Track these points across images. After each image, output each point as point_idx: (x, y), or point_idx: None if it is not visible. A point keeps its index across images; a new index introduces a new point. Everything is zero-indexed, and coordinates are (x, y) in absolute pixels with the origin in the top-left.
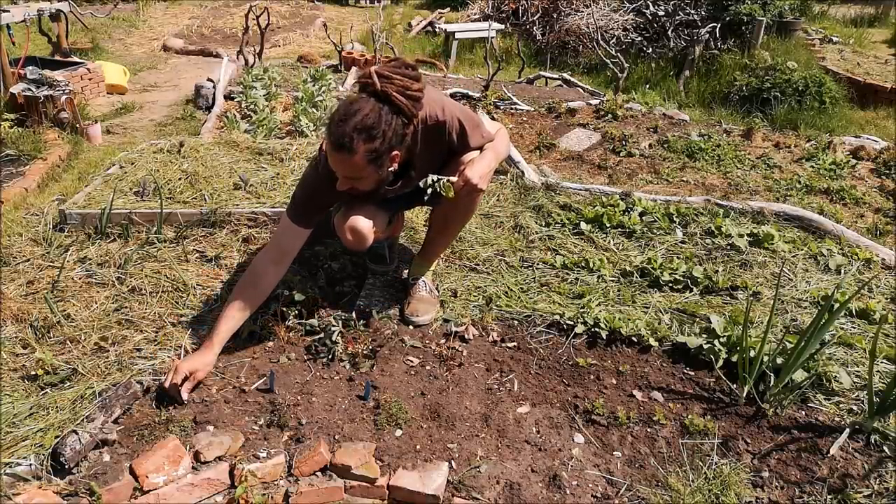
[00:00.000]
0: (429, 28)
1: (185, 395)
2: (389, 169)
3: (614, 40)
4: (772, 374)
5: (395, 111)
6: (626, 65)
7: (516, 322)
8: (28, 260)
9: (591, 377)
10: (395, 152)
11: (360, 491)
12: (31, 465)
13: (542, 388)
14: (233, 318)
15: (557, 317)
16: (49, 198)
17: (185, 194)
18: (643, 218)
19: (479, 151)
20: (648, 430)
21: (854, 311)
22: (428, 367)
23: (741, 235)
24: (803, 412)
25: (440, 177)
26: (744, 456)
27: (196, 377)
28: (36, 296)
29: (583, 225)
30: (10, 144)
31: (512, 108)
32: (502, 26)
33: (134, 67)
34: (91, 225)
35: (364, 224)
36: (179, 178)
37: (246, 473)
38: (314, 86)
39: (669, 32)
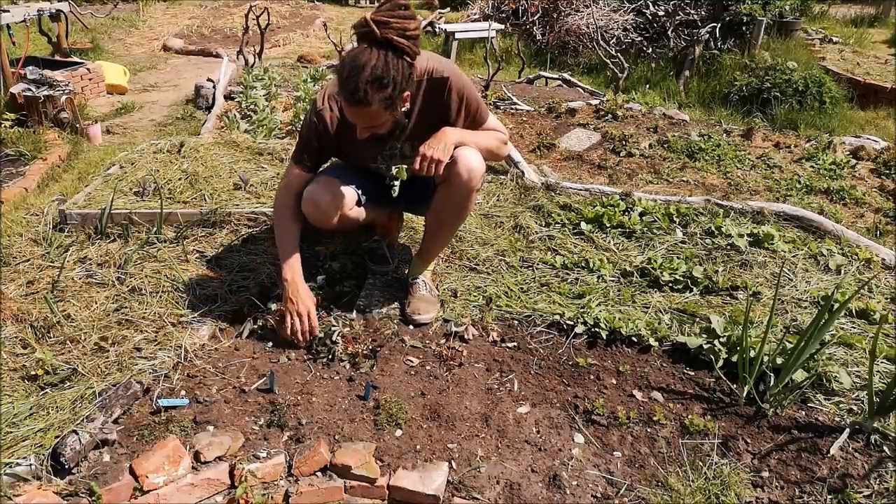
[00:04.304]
0: (429, 28)
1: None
2: (402, 109)
3: (614, 40)
4: (772, 375)
5: (399, 54)
6: (626, 65)
7: (516, 322)
8: (28, 260)
9: (591, 377)
10: (406, 93)
11: (360, 491)
12: (31, 465)
13: (542, 388)
14: (295, 247)
15: (557, 317)
16: (49, 198)
17: (185, 194)
18: (643, 218)
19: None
20: (648, 430)
21: (854, 311)
22: (428, 367)
23: (741, 235)
24: (803, 412)
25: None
26: (744, 456)
27: (313, 314)
28: (36, 296)
29: (583, 225)
30: (10, 144)
31: (512, 108)
32: (502, 26)
33: (134, 67)
34: (91, 225)
35: (323, 197)
36: (179, 178)
37: (246, 473)
38: (314, 86)
39: (669, 32)
